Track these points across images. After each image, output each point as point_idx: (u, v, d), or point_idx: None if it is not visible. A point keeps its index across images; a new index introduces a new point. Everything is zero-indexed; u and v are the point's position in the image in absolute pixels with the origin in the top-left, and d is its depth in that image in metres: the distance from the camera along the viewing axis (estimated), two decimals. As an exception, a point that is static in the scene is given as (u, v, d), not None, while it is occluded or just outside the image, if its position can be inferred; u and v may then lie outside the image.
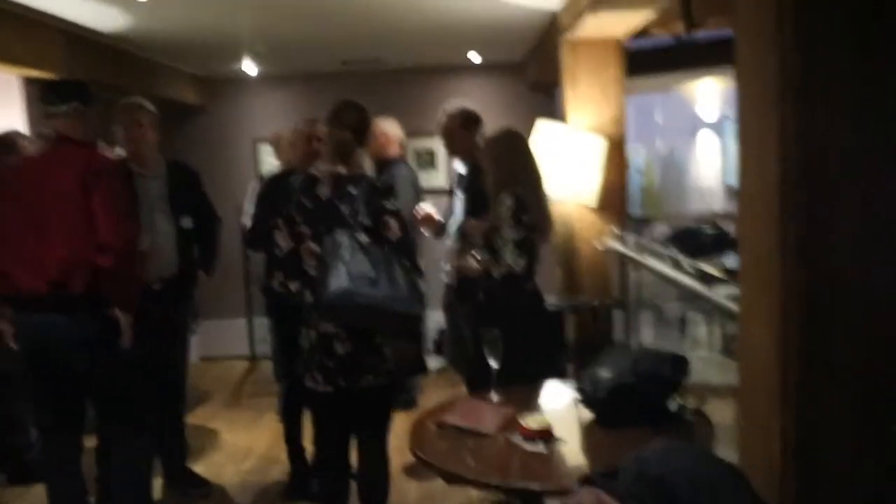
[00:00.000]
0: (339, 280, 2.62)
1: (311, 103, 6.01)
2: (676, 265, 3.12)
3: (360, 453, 3.02)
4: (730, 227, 4.83)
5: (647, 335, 4.41)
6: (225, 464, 4.41)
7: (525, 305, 3.30)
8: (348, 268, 2.63)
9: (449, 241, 3.93)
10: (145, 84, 5.65)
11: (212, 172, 6.66)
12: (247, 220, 4.13)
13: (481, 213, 3.41)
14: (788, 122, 1.55)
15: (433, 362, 5.86)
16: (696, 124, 7.90)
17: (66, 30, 4.52)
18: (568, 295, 4.39)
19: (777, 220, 1.59)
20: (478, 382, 2.89)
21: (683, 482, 1.28)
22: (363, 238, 2.72)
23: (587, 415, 2.47)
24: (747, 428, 1.85)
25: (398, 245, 2.79)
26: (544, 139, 4.18)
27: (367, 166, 3.89)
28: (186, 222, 3.72)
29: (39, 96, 3.08)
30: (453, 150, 3.94)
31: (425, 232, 4.00)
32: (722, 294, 2.58)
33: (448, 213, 3.94)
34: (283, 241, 2.81)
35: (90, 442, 3.38)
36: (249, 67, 6.14)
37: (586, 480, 1.41)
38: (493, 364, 2.64)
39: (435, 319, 5.22)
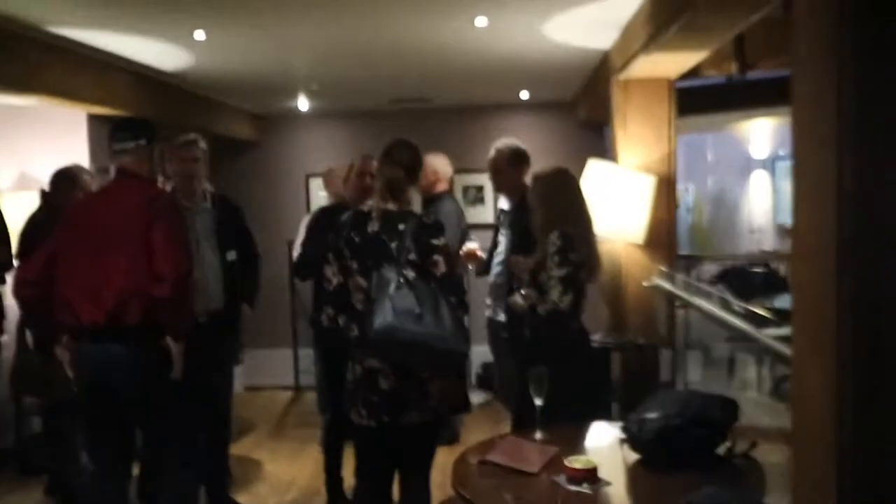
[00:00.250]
0: (383, 315, 2.64)
1: (362, 139, 6.14)
2: (725, 305, 3.08)
3: (402, 488, 3.02)
4: (780, 267, 4.75)
5: (695, 375, 4.35)
6: (268, 495, 4.43)
7: (571, 343, 3.28)
8: (393, 303, 2.65)
9: (492, 277, 3.94)
10: (202, 120, 5.82)
11: (265, 206, 6.87)
12: (297, 252, 4.19)
13: (528, 251, 3.41)
14: (846, 165, 1.53)
15: (476, 397, 5.84)
16: (747, 163, 7.83)
17: (131, 69, 4.71)
18: (614, 333, 4.35)
19: (833, 265, 1.55)
20: (523, 420, 2.87)
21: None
22: (410, 274, 2.74)
23: (633, 456, 2.43)
24: (801, 481, 1.80)
25: (444, 281, 2.80)
26: (595, 178, 4.18)
27: (416, 202, 3.93)
28: (231, 256, 3.79)
29: (109, 133, 3.19)
30: (500, 186, 3.97)
31: (469, 268, 4.02)
32: (772, 335, 2.53)
33: (492, 248, 3.95)
34: (332, 275, 2.85)
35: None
36: (302, 104, 6.29)
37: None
38: (538, 401, 2.63)
39: (478, 354, 5.22)
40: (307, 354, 5.96)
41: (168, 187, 3.80)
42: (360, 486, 3.03)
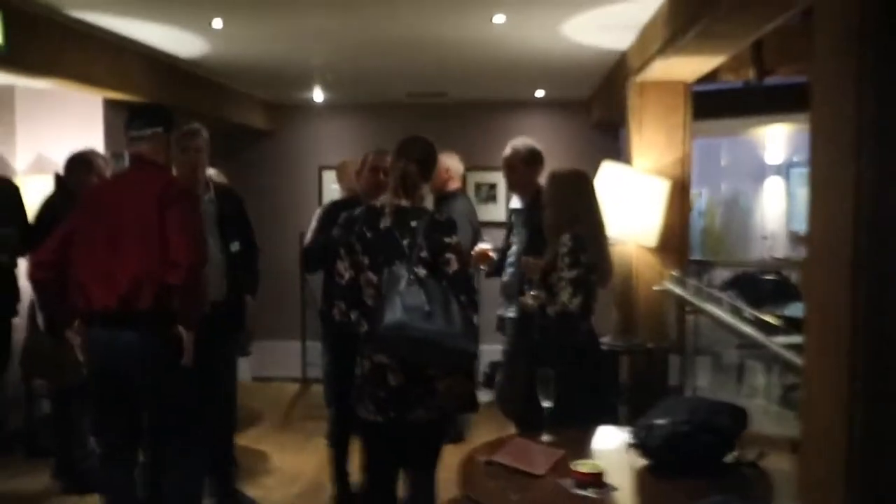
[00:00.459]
0: (393, 312, 2.63)
1: (376, 132, 6.13)
2: (736, 312, 3.06)
3: (407, 485, 3.02)
4: (792, 275, 4.72)
5: (704, 381, 4.32)
6: (274, 487, 4.44)
7: (580, 345, 3.27)
8: (403, 300, 2.64)
9: (505, 277, 3.94)
10: (217, 108, 5.83)
11: (278, 197, 6.88)
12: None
13: (539, 251, 3.40)
14: (864, 173, 1.51)
15: (483, 396, 5.83)
16: (761, 168, 7.77)
17: (146, 53, 4.72)
18: (624, 336, 4.34)
19: (848, 274, 1.54)
20: (530, 422, 2.86)
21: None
22: (421, 271, 2.73)
23: (640, 462, 2.42)
24: (809, 492, 1.79)
25: (455, 279, 2.78)
26: (608, 181, 4.17)
27: (428, 200, 3.93)
28: (234, 247, 3.78)
29: (125, 120, 3.20)
30: (513, 184, 3.98)
31: (481, 268, 4.01)
32: (782, 343, 2.52)
33: (504, 249, 3.95)
34: (344, 269, 2.85)
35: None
36: (318, 95, 6.29)
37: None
38: (546, 404, 2.63)
39: (486, 353, 5.21)
40: (315, 347, 5.97)
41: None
42: (367, 482, 3.03)
